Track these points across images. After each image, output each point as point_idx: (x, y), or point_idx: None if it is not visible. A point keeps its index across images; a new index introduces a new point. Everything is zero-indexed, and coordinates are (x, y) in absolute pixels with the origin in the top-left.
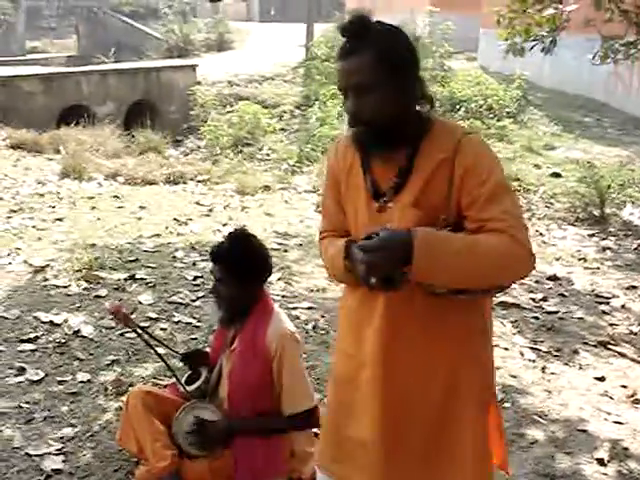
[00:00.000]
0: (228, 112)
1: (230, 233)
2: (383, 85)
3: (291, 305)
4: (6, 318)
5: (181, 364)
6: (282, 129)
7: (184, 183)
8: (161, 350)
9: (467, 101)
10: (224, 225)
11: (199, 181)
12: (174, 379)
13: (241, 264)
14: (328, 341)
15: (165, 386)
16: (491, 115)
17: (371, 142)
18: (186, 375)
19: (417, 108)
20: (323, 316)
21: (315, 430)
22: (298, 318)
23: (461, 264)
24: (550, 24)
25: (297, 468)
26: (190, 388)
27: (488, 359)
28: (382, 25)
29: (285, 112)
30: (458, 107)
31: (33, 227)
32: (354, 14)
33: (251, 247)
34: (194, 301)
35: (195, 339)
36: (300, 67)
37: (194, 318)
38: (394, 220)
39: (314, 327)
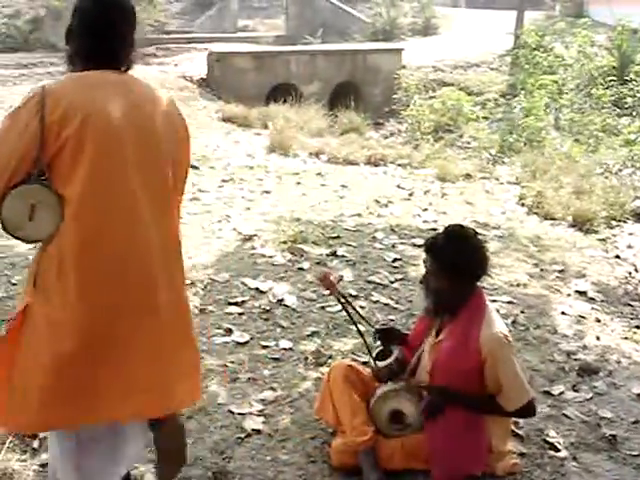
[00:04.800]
0: (431, 97)
1: (447, 227)
2: None
3: (491, 298)
4: (216, 281)
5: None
6: (485, 117)
7: (384, 165)
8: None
9: None
10: (424, 210)
11: (399, 165)
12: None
13: (453, 262)
14: (528, 338)
15: (364, 362)
16: None
17: None
18: (377, 350)
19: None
20: (523, 312)
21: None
22: (497, 312)
23: None
24: None
25: (492, 464)
26: (380, 364)
27: None
28: None
29: (489, 100)
30: None
31: (242, 197)
32: None
33: (466, 246)
34: (392, 283)
35: (392, 320)
36: (508, 55)
37: (392, 299)
38: None
39: (513, 322)
